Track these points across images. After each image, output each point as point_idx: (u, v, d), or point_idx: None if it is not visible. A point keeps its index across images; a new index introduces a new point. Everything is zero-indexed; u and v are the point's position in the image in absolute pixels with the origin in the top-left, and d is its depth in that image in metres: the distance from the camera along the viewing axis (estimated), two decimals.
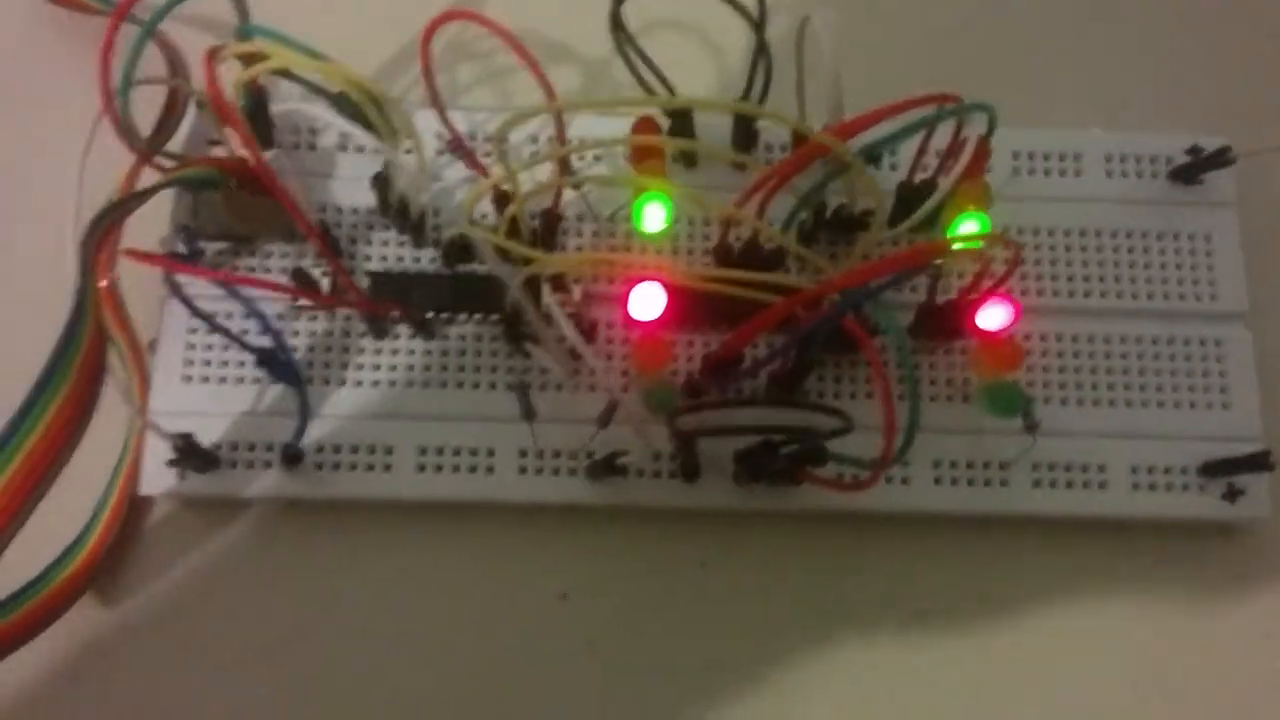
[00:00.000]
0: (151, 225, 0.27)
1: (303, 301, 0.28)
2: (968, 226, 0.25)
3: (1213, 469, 0.28)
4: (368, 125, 0.28)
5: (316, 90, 0.27)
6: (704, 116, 0.28)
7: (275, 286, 0.26)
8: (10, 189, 0.31)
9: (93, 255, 0.22)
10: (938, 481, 0.28)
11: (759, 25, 0.25)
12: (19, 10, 0.32)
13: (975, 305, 0.25)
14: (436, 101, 0.25)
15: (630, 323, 0.27)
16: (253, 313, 0.22)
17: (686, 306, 0.26)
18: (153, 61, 0.25)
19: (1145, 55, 0.33)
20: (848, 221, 0.28)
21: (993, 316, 0.25)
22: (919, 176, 0.27)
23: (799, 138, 0.28)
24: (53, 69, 0.31)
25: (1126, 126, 0.31)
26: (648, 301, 0.24)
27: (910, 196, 0.27)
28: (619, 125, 0.28)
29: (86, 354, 0.22)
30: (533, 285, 0.25)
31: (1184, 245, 0.30)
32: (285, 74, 0.26)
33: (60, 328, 0.21)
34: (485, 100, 0.31)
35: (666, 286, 0.25)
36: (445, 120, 0.25)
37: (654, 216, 0.25)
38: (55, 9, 0.31)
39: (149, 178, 0.26)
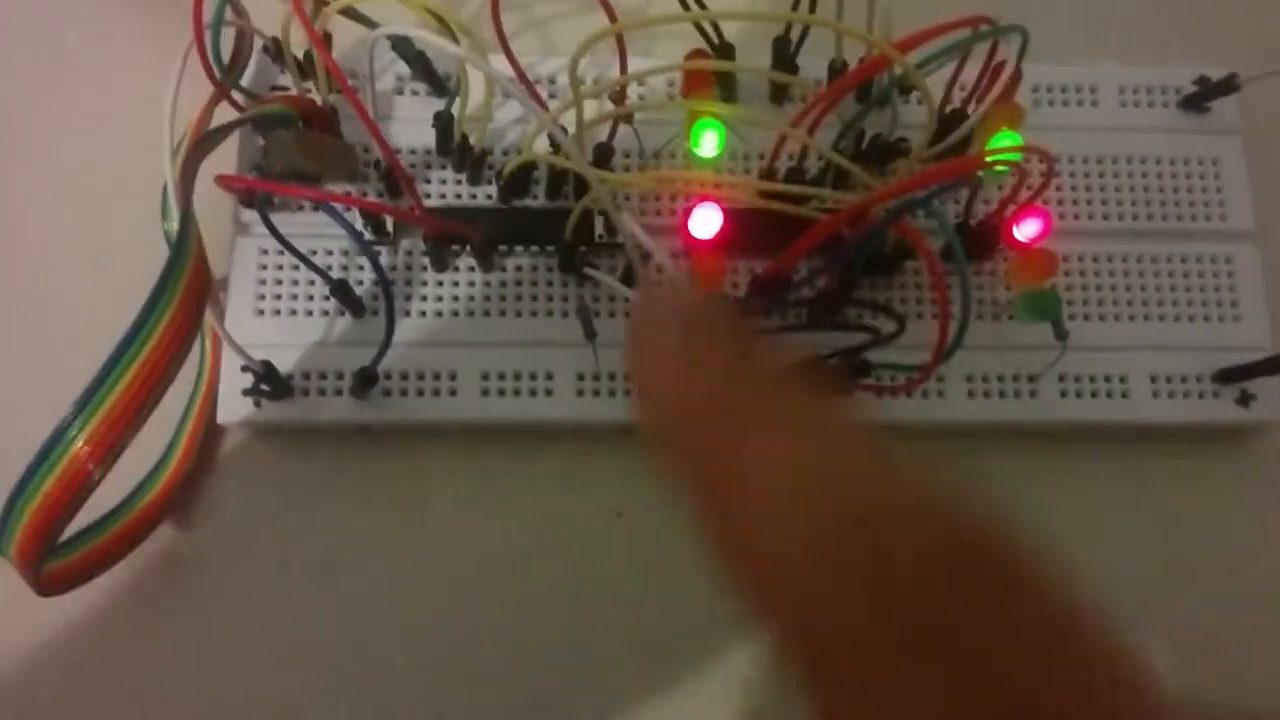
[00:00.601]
0: (218, 166, 0.29)
1: (369, 236, 0.29)
2: (1003, 144, 0.27)
3: (1226, 376, 0.30)
4: (424, 70, 0.29)
5: (375, 27, 0.28)
6: (742, 56, 0.30)
7: (365, 203, 0.27)
8: (101, 120, 0.32)
9: (192, 179, 0.23)
10: (971, 395, 0.29)
11: None
12: None
13: (1012, 219, 0.27)
14: (502, 37, 0.26)
15: (687, 244, 0.28)
16: (346, 227, 0.23)
17: (737, 230, 0.27)
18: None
19: None
20: (883, 150, 0.29)
21: (1028, 228, 0.26)
22: (948, 107, 0.29)
23: (835, 73, 0.30)
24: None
25: (1139, 60, 0.32)
26: (706, 221, 0.26)
27: (944, 122, 0.29)
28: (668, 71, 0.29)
29: (193, 271, 0.23)
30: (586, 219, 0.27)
31: (1194, 170, 0.31)
32: (355, 16, 0.27)
33: (157, 252, 0.23)
34: (530, 46, 0.33)
35: (722, 208, 0.26)
36: (511, 56, 0.27)
37: (709, 142, 0.27)
38: None
39: (220, 115, 0.28)
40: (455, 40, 0.25)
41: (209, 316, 0.25)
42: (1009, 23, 0.26)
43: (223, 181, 0.25)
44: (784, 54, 0.30)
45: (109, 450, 0.21)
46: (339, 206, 0.25)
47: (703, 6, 0.28)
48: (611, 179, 0.25)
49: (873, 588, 0.14)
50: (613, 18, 0.25)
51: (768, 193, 0.25)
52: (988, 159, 0.25)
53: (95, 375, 0.21)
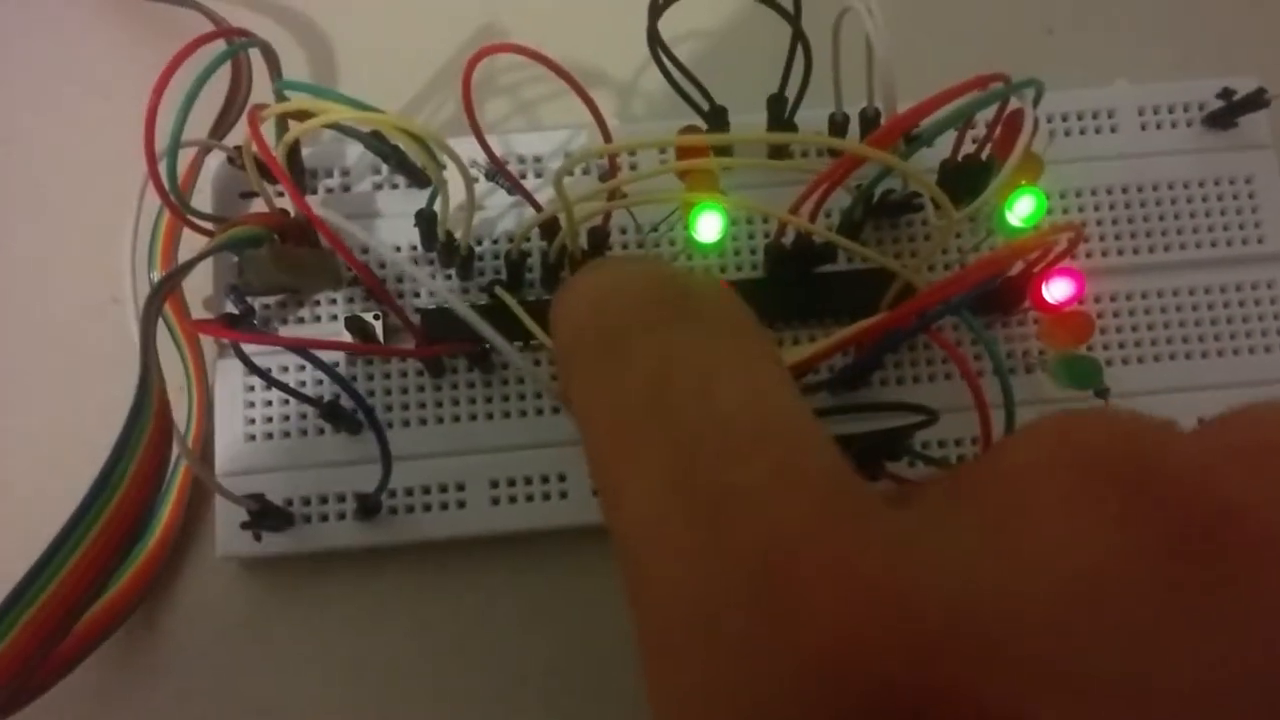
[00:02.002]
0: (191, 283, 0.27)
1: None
2: (1024, 202, 0.25)
3: None
4: (400, 163, 0.28)
5: (349, 133, 0.27)
6: (736, 117, 0.28)
7: (337, 345, 0.26)
8: (64, 234, 0.30)
9: (152, 329, 0.22)
10: None
11: (795, 18, 0.24)
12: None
13: (1038, 279, 0.25)
14: (478, 133, 0.24)
15: None
16: (327, 371, 0.22)
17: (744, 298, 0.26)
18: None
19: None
20: (895, 206, 0.28)
21: (1059, 290, 0.24)
22: (961, 154, 0.27)
23: (837, 129, 0.28)
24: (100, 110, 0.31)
25: (1154, 76, 0.30)
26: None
27: (955, 175, 0.27)
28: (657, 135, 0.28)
29: (155, 425, 0.22)
30: None
31: (1226, 190, 0.30)
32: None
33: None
34: (514, 126, 0.31)
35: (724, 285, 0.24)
36: (488, 150, 0.25)
37: (709, 227, 0.25)
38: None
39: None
40: (430, 152, 0.23)
41: (194, 466, 0.24)
42: (1017, 63, 0.24)
43: (194, 327, 0.23)
44: (780, 112, 0.28)
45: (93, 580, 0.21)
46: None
47: (691, 78, 0.26)
48: None
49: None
50: (595, 112, 0.23)
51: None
52: (1016, 253, 0.23)
53: (63, 528, 0.20)
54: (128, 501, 0.20)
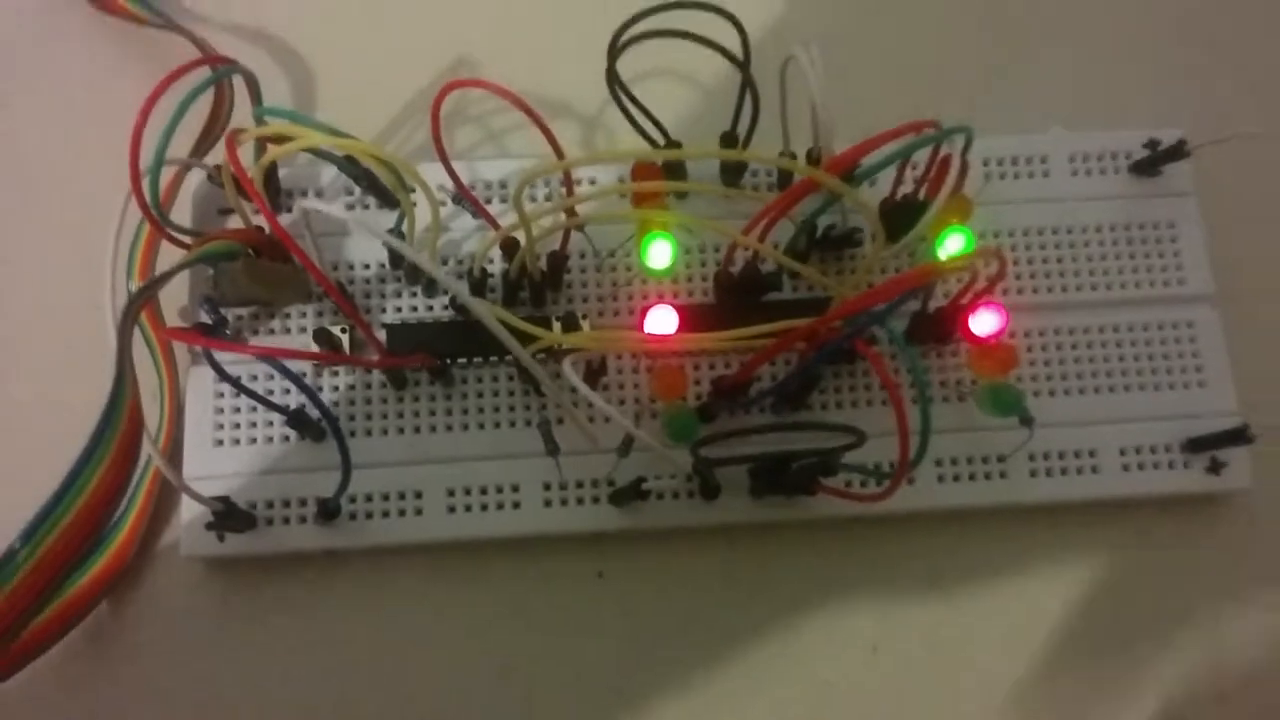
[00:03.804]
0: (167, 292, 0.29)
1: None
2: (953, 240, 0.27)
3: (1196, 445, 0.30)
4: (372, 186, 0.29)
5: (324, 156, 0.28)
6: (689, 141, 0.29)
7: (308, 355, 0.27)
8: (44, 263, 0.32)
9: (129, 336, 0.23)
10: (940, 479, 0.29)
11: (744, 65, 0.26)
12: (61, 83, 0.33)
13: (967, 311, 0.27)
14: (444, 159, 0.26)
15: (647, 351, 0.28)
16: (293, 379, 0.23)
17: (696, 326, 0.27)
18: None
19: (1100, 55, 0.35)
20: (837, 240, 0.29)
21: (985, 322, 0.26)
22: (900, 192, 0.29)
23: (784, 169, 0.30)
24: (87, 135, 0.32)
25: (1088, 126, 0.32)
26: (662, 323, 0.26)
27: (893, 212, 0.29)
28: (619, 170, 0.29)
29: (125, 429, 0.23)
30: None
31: (1149, 234, 0.31)
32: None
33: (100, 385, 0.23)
34: (483, 153, 0.33)
35: (677, 309, 0.26)
36: (454, 174, 0.27)
37: (660, 254, 0.27)
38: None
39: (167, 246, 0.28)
40: (396, 174, 0.25)
41: (162, 467, 0.25)
42: (954, 107, 0.26)
43: (168, 335, 0.25)
44: (732, 148, 0.29)
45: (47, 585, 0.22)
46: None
47: (648, 115, 0.28)
48: (548, 338, 0.25)
49: None
50: (555, 147, 0.25)
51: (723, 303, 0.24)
52: (939, 269, 0.24)
53: (32, 519, 0.21)
54: (96, 497, 0.22)
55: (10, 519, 0.23)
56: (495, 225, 0.28)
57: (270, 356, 0.23)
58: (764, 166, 0.31)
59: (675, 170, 0.30)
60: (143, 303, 0.24)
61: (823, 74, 0.24)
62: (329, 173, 0.30)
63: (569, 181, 0.26)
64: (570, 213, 0.27)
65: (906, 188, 0.29)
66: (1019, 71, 0.34)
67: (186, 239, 0.28)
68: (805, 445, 0.26)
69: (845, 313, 0.24)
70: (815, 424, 0.26)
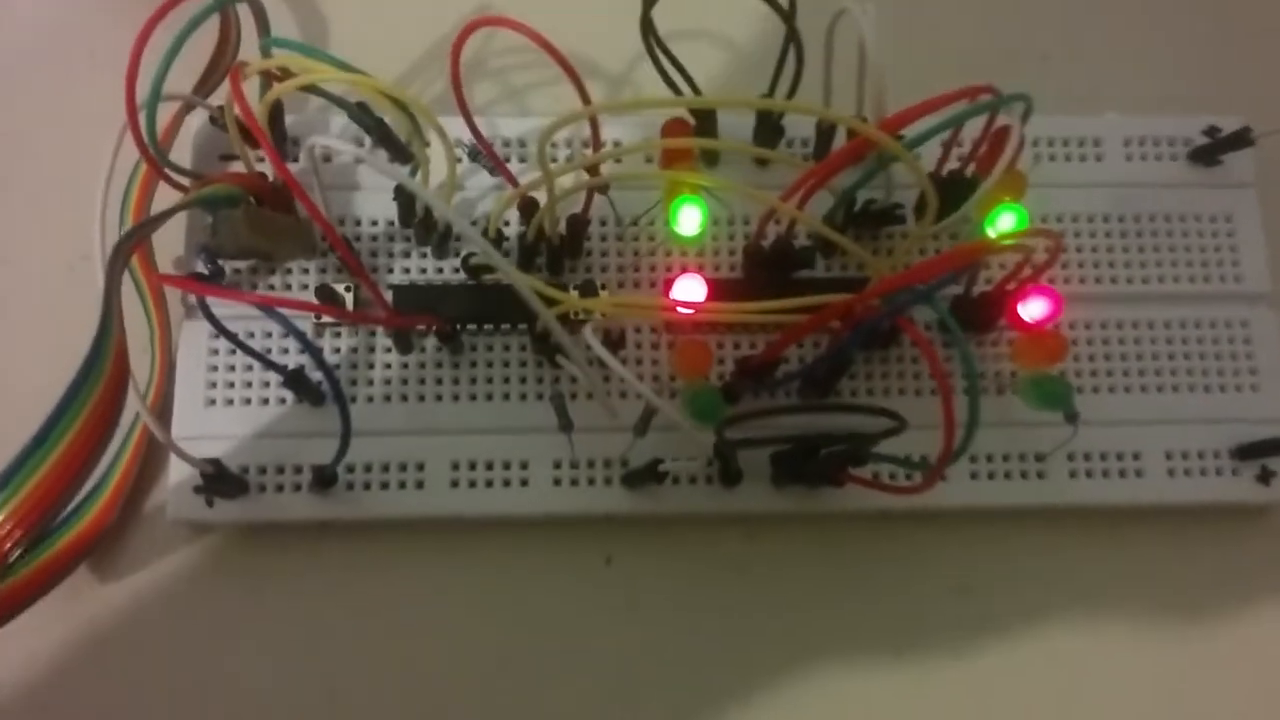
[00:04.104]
0: (162, 240, 0.27)
1: (327, 319, 0.27)
2: (1005, 218, 0.25)
3: (1246, 452, 0.28)
4: (384, 138, 0.27)
5: (335, 101, 0.26)
6: (726, 115, 0.28)
7: (310, 306, 0.25)
8: (34, 202, 0.30)
9: (118, 276, 0.21)
10: (974, 476, 0.28)
11: (789, 16, 0.24)
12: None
13: (1015, 297, 0.25)
14: (464, 107, 0.24)
15: (670, 326, 0.26)
16: (294, 333, 0.21)
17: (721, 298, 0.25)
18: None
19: (1160, 37, 0.33)
20: (877, 216, 0.28)
21: (1035, 308, 0.24)
22: (945, 169, 0.27)
23: (823, 135, 0.28)
24: (83, 67, 0.31)
25: (1144, 110, 0.31)
26: (689, 293, 0.24)
27: (938, 189, 0.27)
28: (644, 132, 0.27)
29: (110, 376, 0.21)
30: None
31: (1205, 227, 0.30)
32: (307, 88, 0.25)
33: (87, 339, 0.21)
34: (502, 110, 0.31)
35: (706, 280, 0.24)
36: (473, 126, 0.25)
37: (689, 219, 0.25)
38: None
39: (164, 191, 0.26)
40: (413, 119, 0.23)
41: (149, 421, 0.24)
42: (1008, 86, 0.24)
43: (161, 280, 0.23)
44: (768, 117, 0.28)
45: (26, 533, 0.21)
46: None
47: (682, 72, 0.26)
48: (568, 301, 0.23)
49: None
50: (584, 95, 0.23)
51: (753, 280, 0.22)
52: (991, 246, 0.23)
53: (10, 462, 0.20)
54: (76, 445, 0.20)
55: None
56: (512, 181, 0.27)
57: (269, 306, 0.21)
58: (802, 131, 0.29)
59: (707, 134, 0.28)
60: (134, 244, 0.22)
61: (876, 31, 0.22)
62: (339, 122, 0.29)
63: (595, 135, 0.24)
64: (593, 171, 0.25)
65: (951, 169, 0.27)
66: (1076, 49, 0.33)
67: (185, 181, 0.26)
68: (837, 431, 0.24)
69: (886, 290, 0.22)
70: (853, 406, 0.25)
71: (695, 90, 0.27)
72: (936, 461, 0.21)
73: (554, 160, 0.29)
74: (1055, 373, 0.25)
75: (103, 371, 0.20)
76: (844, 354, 0.25)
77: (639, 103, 0.23)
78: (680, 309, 0.24)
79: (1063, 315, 0.28)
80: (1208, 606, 0.28)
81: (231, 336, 0.24)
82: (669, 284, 0.26)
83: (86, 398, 0.20)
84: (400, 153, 0.28)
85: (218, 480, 0.26)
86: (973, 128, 0.26)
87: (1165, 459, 0.28)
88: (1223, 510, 0.28)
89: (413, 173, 0.26)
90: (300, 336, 0.21)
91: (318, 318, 0.27)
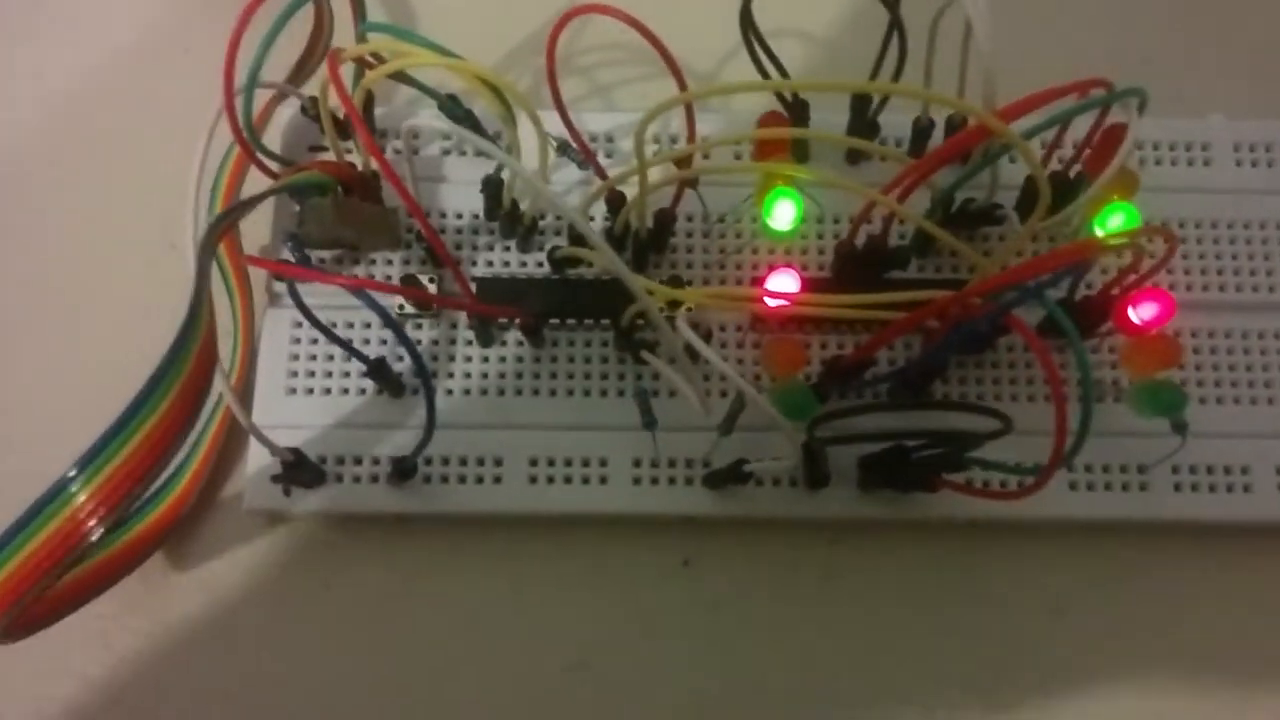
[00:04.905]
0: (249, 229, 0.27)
1: (410, 309, 0.27)
2: (1115, 217, 0.24)
3: None
4: (473, 130, 0.27)
5: (427, 91, 0.26)
6: (818, 115, 0.27)
7: (394, 289, 0.25)
8: (131, 181, 0.30)
9: (209, 259, 0.21)
10: (1073, 487, 0.26)
11: (894, 4, 0.24)
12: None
13: (1124, 300, 0.24)
14: (557, 98, 0.24)
15: (762, 323, 0.26)
16: (384, 316, 0.21)
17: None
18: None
19: (1265, 39, 0.32)
20: (976, 216, 0.27)
21: (1147, 311, 0.23)
22: (1048, 168, 0.26)
23: (920, 132, 0.27)
24: (179, 63, 0.31)
25: (1251, 114, 0.29)
26: (784, 286, 0.24)
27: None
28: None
29: (199, 357, 0.21)
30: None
31: None
32: (400, 78, 0.25)
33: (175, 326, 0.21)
34: (592, 106, 0.30)
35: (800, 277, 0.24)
36: (565, 117, 0.24)
37: (784, 213, 0.24)
38: None
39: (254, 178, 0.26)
40: (508, 107, 0.23)
41: (233, 405, 0.23)
42: (1122, 81, 0.23)
43: (249, 261, 0.23)
44: (863, 111, 0.27)
45: (109, 512, 0.20)
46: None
47: (780, 68, 0.25)
48: (659, 291, 0.22)
49: None
50: (682, 85, 0.22)
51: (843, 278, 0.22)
52: (1105, 244, 0.22)
53: (96, 441, 0.20)
54: (161, 428, 0.20)
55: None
56: (601, 173, 0.26)
57: (358, 288, 0.21)
58: (897, 131, 0.28)
59: (798, 140, 0.28)
60: (224, 228, 0.22)
61: (989, 20, 0.21)
62: (428, 114, 0.28)
63: (691, 123, 0.24)
64: (683, 164, 0.24)
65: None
66: (1180, 52, 0.31)
67: (276, 168, 0.26)
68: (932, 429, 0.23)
69: (991, 288, 0.21)
70: (958, 404, 0.24)
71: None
72: (1047, 464, 0.20)
73: (656, 151, 0.28)
74: (1167, 378, 0.24)
75: (190, 354, 0.20)
76: (940, 356, 0.24)
77: (737, 86, 0.22)
78: (773, 301, 0.23)
79: (1173, 322, 0.27)
80: None
81: (319, 323, 0.24)
82: (760, 280, 0.25)
83: (174, 379, 0.20)
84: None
85: (296, 469, 0.25)
86: (1076, 130, 0.25)
87: (1276, 474, 0.27)
88: None
89: (500, 164, 0.26)
90: (388, 318, 0.21)
91: (401, 307, 0.27)
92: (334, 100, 0.23)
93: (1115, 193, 0.24)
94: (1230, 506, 0.26)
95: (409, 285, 0.26)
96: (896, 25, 0.24)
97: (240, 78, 0.23)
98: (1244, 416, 0.27)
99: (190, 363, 0.20)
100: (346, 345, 0.25)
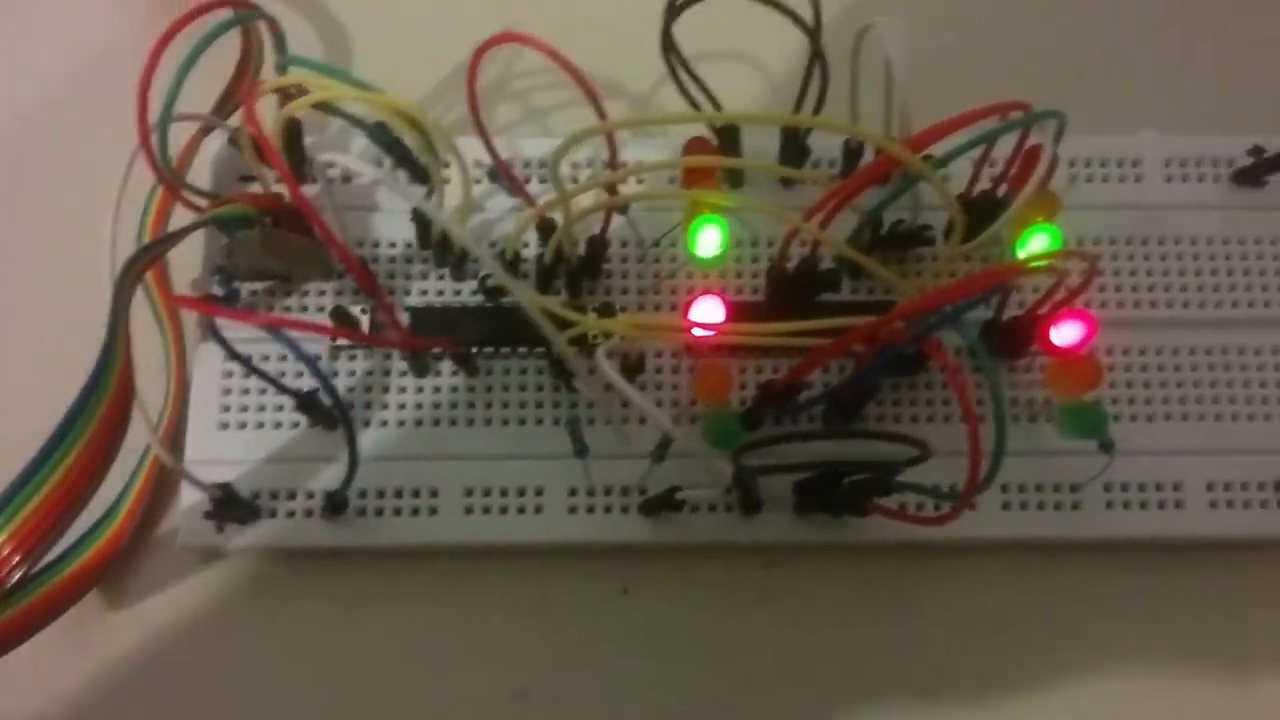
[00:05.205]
0: (179, 262, 0.27)
1: (342, 341, 0.27)
2: (1038, 239, 0.24)
3: None
4: (403, 158, 0.27)
5: (354, 122, 0.26)
6: (750, 138, 0.27)
7: (321, 329, 0.25)
8: (48, 220, 0.30)
9: (127, 296, 0.21)
10: (1006, 507, 0.27)
11: (815, 33, 0.24)
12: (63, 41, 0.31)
13: (1048, 321, 0.24)
14: (479, 125, 0.24)
15: (690, 350, 0.26)
16: (301, 356, 0.21)
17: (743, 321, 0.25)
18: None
19: (1199, 56, 0.32)
20: (904, 238, 0.27)
21: (1069, 332, 0.23)
22: (976, 189, 0.26)
23: (851, 154, 0.28)
24: (92, 104, 0.30)
25: (1185, 130, 0.29)
26: (708, 313, 0.24)
27: (969, 209, 0.26)
28: (665, 153, 0.27)
29: (112, 398, 0.21)
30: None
31: (1250, 250, 0.29)
32: (323, 108, 0.25)
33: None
34: (523, 132, 0.30)
35: (725, 305, 0.24)
36: (489, 144, 0.24)
37: (709, 240, 0.24)
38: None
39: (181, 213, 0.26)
40: (428, 139, 0.23)
41: (154, 444, 0.23)
42: (1042, 103, 0.23)
43: (174, 301, 0.23)
44: (794, 136, 0.27)
45: (24, 557, 0.20)
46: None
47: (706, 91, 0.25)
48: (584, 322, 0.22)
49: None
50: (601, 114, 0.22)
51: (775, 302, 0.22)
52: (1022, 268, 0.22)
53: (8, 487, 0.20)
54: (76, 469, 0.20)
55: None
56: (531, 202, 0.26)
57: (279, 328, 0.21)
58: (829, 153, 0.28)
59: (730, 155, 0.28)
60: (144, 264, 0.22)
61: (904, 46, 0.21)
62: (359, 144, 0.28)
63: (613, 152, 0.24)
64: (613, 190, 0.24)
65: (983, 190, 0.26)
66: (1113, 66, 0.32)
67: (202, 202, 0.26)
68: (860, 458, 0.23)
69: (912, 311, 0.21)
70: (874, 433, 0.24)
71: (717, 108, 0.26)
72: (963, 491, 0.20)
73: (574, 181, 0.28)
74: (1090, 400, 0.24)
75: (106, 392, 0.20)
76: (868, 379, 0.24)
77: (658, 119, 0.23)
78: (699, 330, 0.23)
79: (1100, 341, 0.27)
80: (1251, 643, 0.27)
81: (242, 359, 0.24)
82: (689, 306, 0.25)
83: (89, 420, 0.20)
84: (420, 174, 0.28)
85: (228, 505, 0.25)
86: (1005, 148, 0.25)
87: (1206, 490, 0.27)
88: (1267, 544, 0.27)
89: (430, 194, 0.26)
90: (304, 357, 0.21)
91: (333, 340, 0.27)
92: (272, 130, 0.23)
93: (1037, 214, 0.24)
94: (1162, 523, 0.27)
95: (339, 317, 0.26)
96: (818, 54, 0.24)
97: (156, 111, 0.23)
98: (1174, 433, 0.27)
99: (104, 403, 0.20)
100: (274, 380, 0.25)
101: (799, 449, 0.24)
